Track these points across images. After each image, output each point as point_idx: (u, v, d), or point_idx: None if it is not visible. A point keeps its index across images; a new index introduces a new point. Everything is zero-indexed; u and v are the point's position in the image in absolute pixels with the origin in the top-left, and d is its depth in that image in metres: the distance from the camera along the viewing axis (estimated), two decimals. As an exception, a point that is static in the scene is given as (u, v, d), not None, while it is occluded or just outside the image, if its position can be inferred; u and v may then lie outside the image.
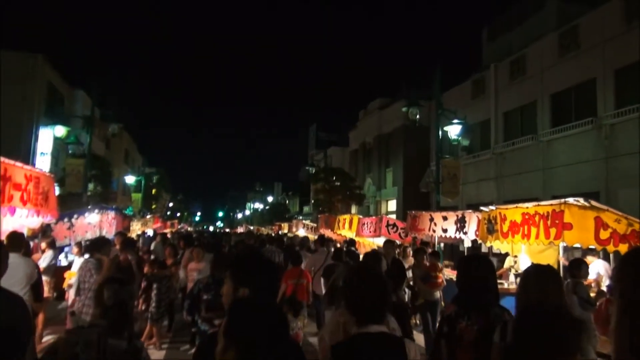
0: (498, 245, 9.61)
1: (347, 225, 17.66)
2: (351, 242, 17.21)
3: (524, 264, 9.66)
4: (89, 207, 13.37)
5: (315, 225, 24.27)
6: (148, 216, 31.24)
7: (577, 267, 6.09)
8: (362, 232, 15.87)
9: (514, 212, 8.50)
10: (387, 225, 14.48)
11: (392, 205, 28.20)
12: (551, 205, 7.58)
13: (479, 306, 2.82)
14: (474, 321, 2.76)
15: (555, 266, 9.99)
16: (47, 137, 23.21)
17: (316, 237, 20.01)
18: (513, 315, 2.69)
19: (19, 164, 6.35)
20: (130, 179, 30.90)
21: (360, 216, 17.39)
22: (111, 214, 14.40)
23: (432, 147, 25.33)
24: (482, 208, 9.62)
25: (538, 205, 7.88)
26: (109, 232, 14.64)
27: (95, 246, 6.68)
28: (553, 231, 7.44)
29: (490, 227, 9.08)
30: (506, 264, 10.35)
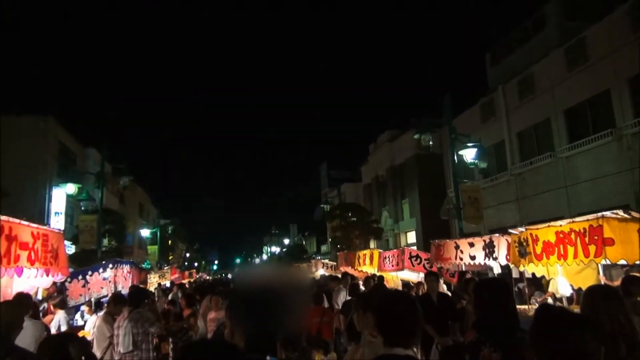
0: (532, 269, 9.04)
1: (367, 260, 17.11)
2: (380, 278, 16.66)
3: (562, 287, 9.06)
4: (103, 262, 13.08)
5: (334, 263, 23.70)
6: (165, 268, 30.90)
7: (633, 283, 5.48)
8: (384, 267, 15.30)
9: (546, 232, 8.01)
10: (410, 258, 13.92)
11: (412, 237, 27.57)
12: (587, 220, 7.09)
13: (499, 332, 2.80)
14: (497, 347, 2.73)
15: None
16: (60, 196, 23.31)
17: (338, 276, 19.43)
18: None
19: (24, 222, 6.09)
20: (145, 232, 30.73)
21: (381, 250, 16.84)
22: (126, 268, 14.08)
23: (446, 174, 24.94)
24: (510, 230, 9.13)
25: (572, 222, 7.39)
26: (125, 286, 14.29)
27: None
28: (592, 248, 6.93)
29: (522, 250, 8.57)
30: (550, 288, 9.71)
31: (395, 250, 15.56)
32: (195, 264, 74.95)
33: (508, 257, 9.12)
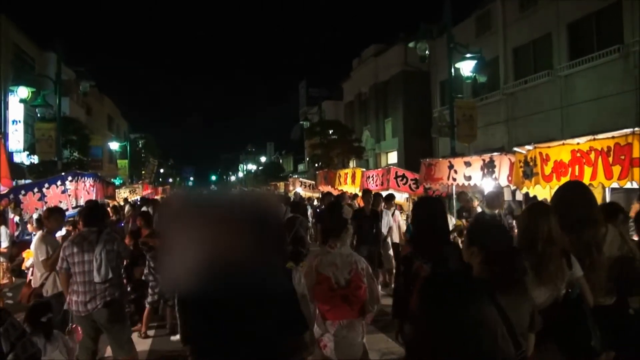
0: (536, 192, 8.28)
1: (349, 179, 16.30)
2: (353, 197, 15.97)
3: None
4: (62, 174, 11.87)
5: (313, 182, 22.96)
6: (138, 183, 29.74)
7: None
8: (367, 186, 14.51)
9: (559, 151, 7.10)
10: (396, 177, 13.11)
11: (393, 157, 26.84)
12: (613, 137, 6.18)
13: (430, 246, 3.03)
14: (428, 260, 2.97)
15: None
16: (17, 103, 21.36)
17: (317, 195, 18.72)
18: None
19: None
20: (114, 145, 29.17)
21: (364, 169, 16.00)
22: (89, 181, 12.91)
23: (433, 92, 23.80)
24: (515, 149, 8.23)
25: (594, 139, 6.47)
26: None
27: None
28: (617, 169, 6.07)
29: (527, 171, 7.72)
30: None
31: (380, 169, 14.73)
32: (170, 180, 73.92)
33: (510, 177, 8.29)
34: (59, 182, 11.49)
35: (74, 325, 4.56)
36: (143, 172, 38.39)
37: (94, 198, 13.68)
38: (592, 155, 6.49)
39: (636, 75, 12.98)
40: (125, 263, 6.12)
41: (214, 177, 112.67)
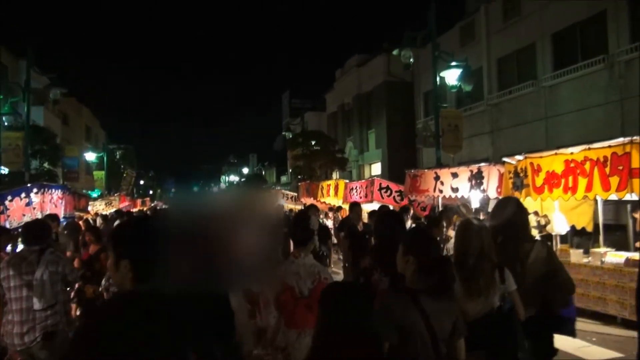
0: (527, 204, 7.90)
1: (332, 191, 15.85)
2: (337, 210, 15.50)
3: (559, 224, 8.01)
4: (28, 185, 11.16)
5: (295, 194, 22.46)
6: (115, 195, 28.85)
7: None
8: (350, 198, 14.07)
9: (551, 161, 6.75)
10: (380, 189, 12.73)
11: (377, 168, 26.47)
12: (610, 147, 5.84)
13: (390, 259, 2.97)
14: (386, 272, 3.22)
15: (590, 225, 8.43)
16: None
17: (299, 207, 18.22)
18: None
19: None
20: (90, 156, 28.27)
21: (347, 181, 15.57)
22: (57, 193, 12.23)
23: (417, 103, 23.58)
24: (505, 159, 7.88)
25: (588, 149, 6.13)
26: (57, 214, 12.55)
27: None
28: (615, 180, 5.71)
29: (518, 182, 7.35)
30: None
31: (363, 180, 14.32)
32: (151, 192, 72.64)
33: (499, 189, 7.93)
34: (22, 195, 10.80)
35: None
36: (123, 184, 37.43)
37: (62, 211, 13.02)
38: (587, 166, 6.13)
39: (621, 86, 12.82)
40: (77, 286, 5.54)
41: (196, 189, 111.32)
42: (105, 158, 29.62)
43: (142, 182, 69.87)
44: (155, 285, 1.68)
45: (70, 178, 30.60)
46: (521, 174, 7.28)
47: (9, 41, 21.96)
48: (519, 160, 7.39)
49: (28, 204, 10.84)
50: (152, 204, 47.96)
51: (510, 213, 3.49)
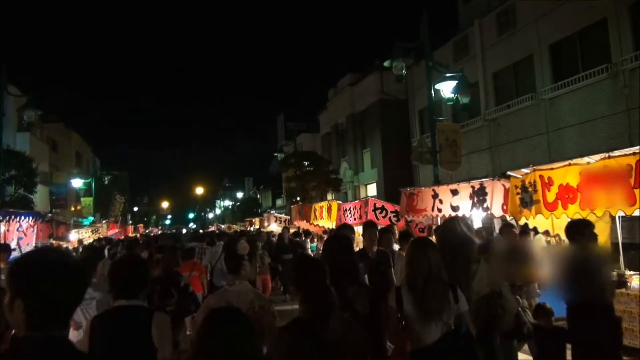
0: (537, 222, 7.09)
1: (325, 213, 15.00)
2: (331, 232, 14.62)
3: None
4: (-4, 213, 10.27)
5: (288, 217, 21.62)
6: (103, 222, 27.87)
7: None
8: (344, 220, 13.22)
9: (564, 173, 5.94)
10: (375, 210, 11.92)
11: (372, 189, 25.68)
12: (634, 154, 5.05)
13: (340, 282, 3.10)
14: (339, 296, 2.89)
15: (607, 244, 7.58)
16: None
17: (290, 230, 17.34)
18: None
19: None
20: (77, 183, 27.40)
21: (340, 202, 14.74)
22: (27, 221, 11.34)
23: (412, 121, 22.94)
24: (510, 173, 7.08)
25: (609, 157, 5.34)
26: (29, 243, 11.66)
27: None
28: (641, 193, 4.94)
29: (526, 198, 6.54)
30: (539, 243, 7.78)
31: (357, 201, 13.49)
32: (145, 219, 71.47)
33: (505, 206, 7.11)
34: (-14, 223, 9.96)
35: None
36: (117, 210, 36.35)
37: (33, 239, 12.10)
38: (608, 177, 5.35)
39: (627, 95, 12.14)
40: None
41: (191, 215, 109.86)
42: (93, 184, 28.74)
43: (135, 208, 68.87)
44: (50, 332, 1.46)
45: (59, 205, 29.71)
46: (530, 189, 6.46)
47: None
48: (526, 174, 6.60)
49: (-7, 233, 9.99)
50: (146, 231, 46.96)
51: (461, 233, 3.60)
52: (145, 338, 2.68)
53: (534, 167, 6.43)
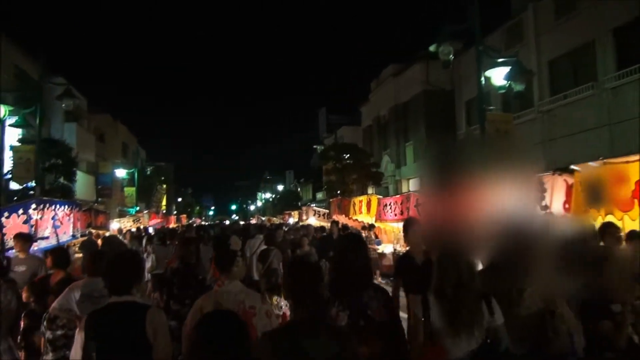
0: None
1: (364, 208, 14.40)
2: (370, 228, 14.00)
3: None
4: (26, 201, 10.23)
5: (327, 211, 21.10)
6: (145, 212, 28.23)
7: None
8: (384, 216, 12.60)
9: (643, 167, 5.12)
10: (417, 205, 11.20)
11: (415, 184, 24.77)
12: None
13: (348, 290, 2.83)
14: (345, 307, 2.78)
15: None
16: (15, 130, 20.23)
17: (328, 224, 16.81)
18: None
19: None
20: (121, 173, 27.86)
21: (380, 196, 14.09)
22: (62, 209, 11.28)
23: (457, 112, 21.92)
24: (573, 167, 6.24)
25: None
26: (66, 232, 11.64)
27: None
28: None
29: (594, 195, 5.73)
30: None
31: (398, 196, 12.80)
32: (189, 209, 72.87)
33: (567, 205, 6.30)
34: (20, 211, 9.88)
35: None
36: (163, 201, 36.98)
37: (70, 228, 12.06)
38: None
39: None
40: (23, 325, 4.32)
41: (234, 207, 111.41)
42: (136, 174, 29.17)
43: (180, 199, 70.28)
44: None
45: (104, 194, 30.38)
46: (598, 185, 5.64)
47: (33, 54, 21.55)
48: (594, 168, 5.76)
49: (26, 222, 9.91)
50: (190, 221, 47.68)
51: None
52: (139, 334, 2.67)
53: (605, 160, 5.58)
